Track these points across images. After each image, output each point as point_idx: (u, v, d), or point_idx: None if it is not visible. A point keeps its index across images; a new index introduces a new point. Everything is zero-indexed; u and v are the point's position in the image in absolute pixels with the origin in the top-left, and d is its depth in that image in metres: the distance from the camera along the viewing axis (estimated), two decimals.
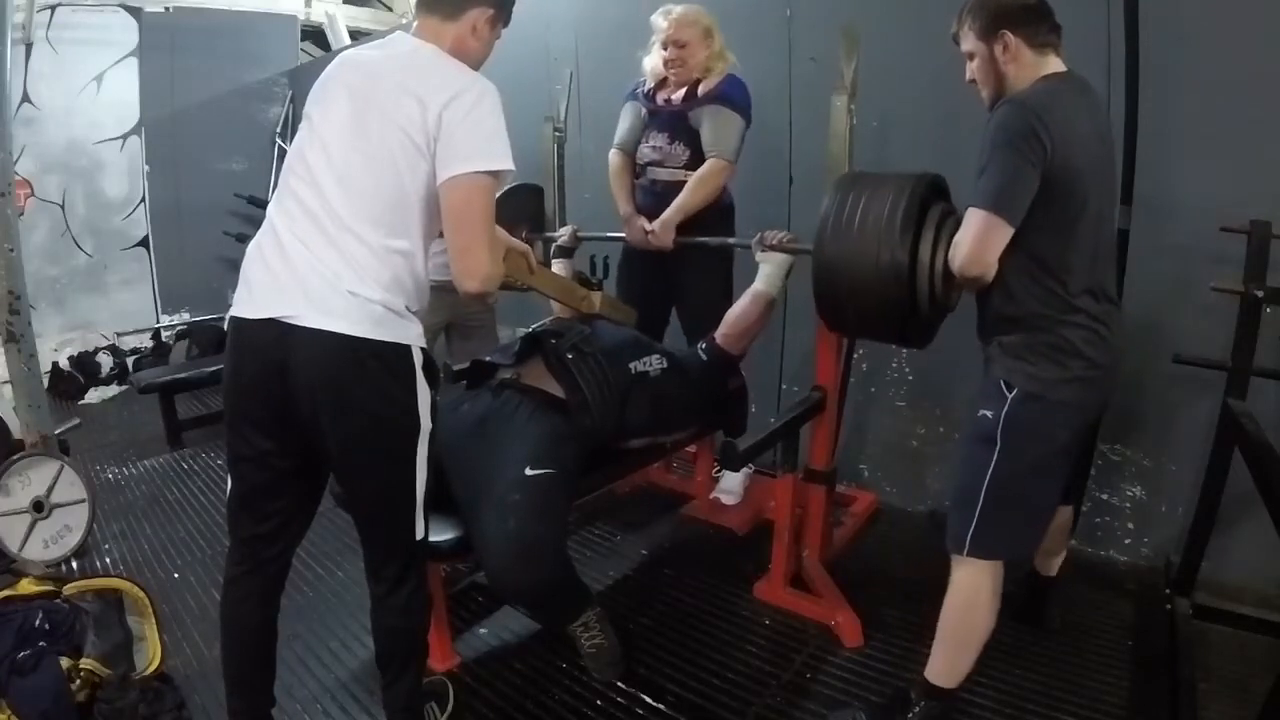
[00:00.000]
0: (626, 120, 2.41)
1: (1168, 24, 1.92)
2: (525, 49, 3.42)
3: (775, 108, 2.67)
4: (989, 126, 1.30)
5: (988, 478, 1.37)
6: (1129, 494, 2.19)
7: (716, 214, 2.29)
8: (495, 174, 1.21)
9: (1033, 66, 1.36)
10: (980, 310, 1.46)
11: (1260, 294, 1.68)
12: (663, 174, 2.29)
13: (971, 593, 1.42)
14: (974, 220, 1.29)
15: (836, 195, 1.63)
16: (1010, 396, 1.36)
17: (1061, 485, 1.47)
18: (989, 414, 1.38)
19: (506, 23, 1.39)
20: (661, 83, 2.33)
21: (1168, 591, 1.91)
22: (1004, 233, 1.27)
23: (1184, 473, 2.06)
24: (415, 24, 1.32)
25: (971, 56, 1.43)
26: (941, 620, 1.47)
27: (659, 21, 2.24)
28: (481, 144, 1.19)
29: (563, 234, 2.38)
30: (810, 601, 1.98)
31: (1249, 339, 1.72)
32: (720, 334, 2.10)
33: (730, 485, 2.58)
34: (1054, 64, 1.37)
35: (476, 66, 1.32)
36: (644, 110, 2.36)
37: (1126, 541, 2.20)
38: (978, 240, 1.28)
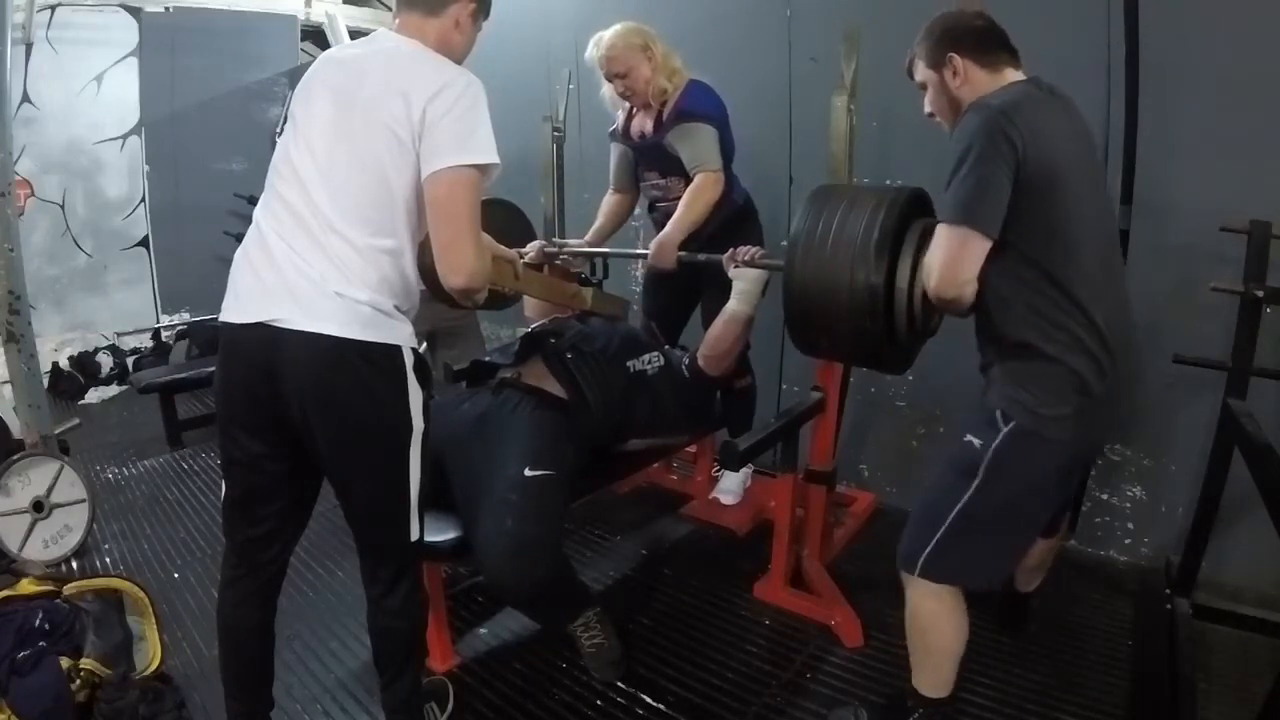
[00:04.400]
0: (613, 161, 2.42)
1: (1168, 24, 1.92)
2: (525, 49, 3.43)
3: (775, 108, 2.68)
4: (955, 135, 1.23)
5: (958, 508, 1.30)
6: (1129, 494, 2.19)
7: (734, 218, 2.25)
8: (481, 168, 1.19)
9: (989, 84, 1.29)
10: (979, 332, 1.35)
11: (1260, 294, 1.68)
12: (670, 208, 2.22)
13: (929, 614, 1.37)
14: (943, 236, 1.20)
15: (810, 211, 1.53)
16: (1004, 430, 1.26)
17: (1043, 521, 1.40)
18: (976, 442, 1.29)
19: (487, 14, 1.38)
20: (631, 112, 2.28)
21: (1168, 591, 1.91)
22: (980, 245, 1.17)
23: (1184, 473, 2.06)
24: (397, 21, 1.31)
25: (924, 87, 1.38)
26: (908, 640, 1.42)
27: (592, 55, 2.17)
28: (466, 138, 1.18)
29: (531, 250, 2.29)
30: (810, 601, 1.98)
31: (1249, 339, 1.72)
32: (701, 355, 2.05)
33: (730, 485, 2.57)
34: (1012, 76, 1.31)
35: (460, 60, 1.32)
36: (627, 149, 2.34)
37: (1126, 541, 2.20)
38: (950, 257, 1.18)
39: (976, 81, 1.30)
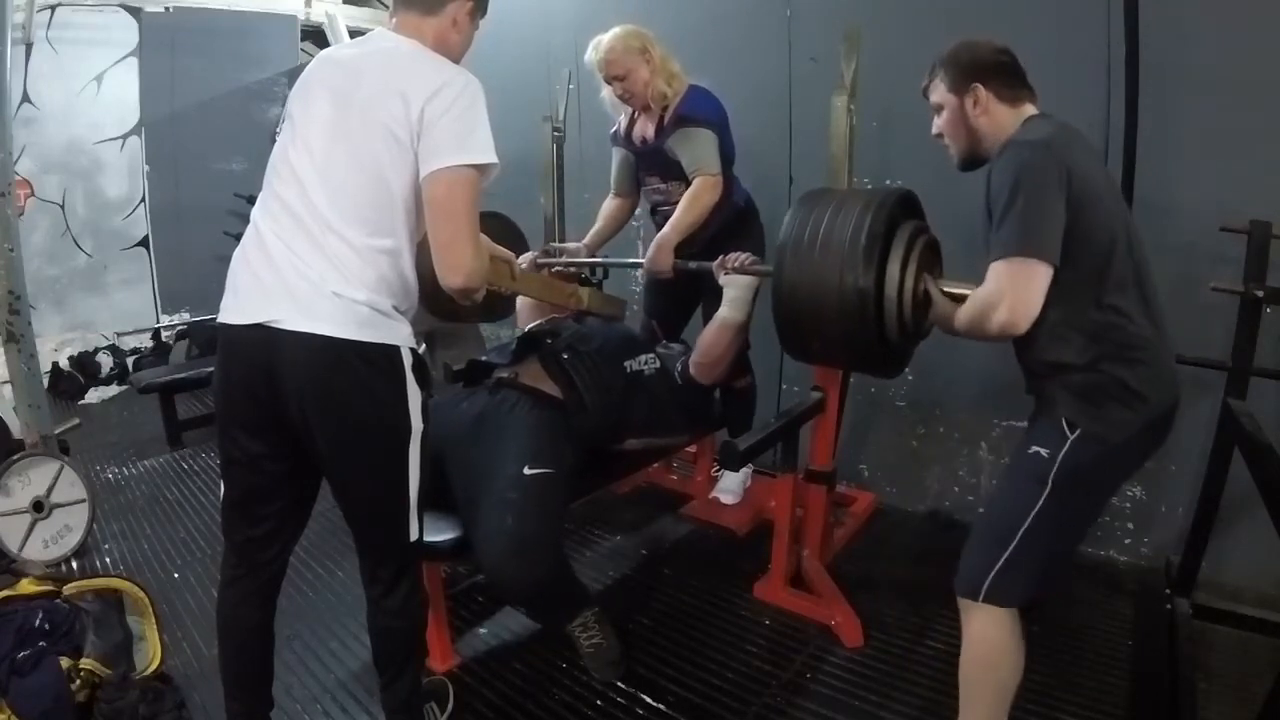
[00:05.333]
0: (614, 164, 2.42)
1: (1168, 24, 1.92)
2: (525, 49, 3.43)
3: (775, 108, 2.68)
4: (996, 174, 1.23)
5: (1030, 518, 1.25)
6: (1129, 494, 2.19)
7: (735, 220, 2.25)
8: (479, 168, 1.19)
9: (1008, 118, 1.32)
10: (1028, 359, 1.33)
11: (1260, 294, 1.68)
12: (672, 212, 2.20)
13: (995, 646, 1.29)
14: (1005, 272, 1.17)
15: (798, 214, 1.52)
16: (1071, 437, 1.24)
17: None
18: (1044, 451, 1.26)
19: (484, 13, 1.38)
20: (633, 116, 2.28)
21: (1168, 591, 1.91)
22: (1045, 274, 1.17)
23: (1184, 473, 2.06)
24: (395, 20, 1.31)
25: (940, 109, 1.39)
26: (965, 678, 1.33)
27: (592, 58, 2.18)
28: (464, 138, 1.18)
29: (523, 261, 2.23)
30: (810, 601, 1.98)
31: (1249, 339, 1.72)
32: (694, 362, 2.04)
33: (730, 485, 2.58)
34: (1029, 111, 1.33)
35: (458, 59, 1.32)
36: (628, 154, 2.34)
37: (1126, 541, 2.20)
38: (1020, 291, 1.16)
39: (996, 114, 1.33)
